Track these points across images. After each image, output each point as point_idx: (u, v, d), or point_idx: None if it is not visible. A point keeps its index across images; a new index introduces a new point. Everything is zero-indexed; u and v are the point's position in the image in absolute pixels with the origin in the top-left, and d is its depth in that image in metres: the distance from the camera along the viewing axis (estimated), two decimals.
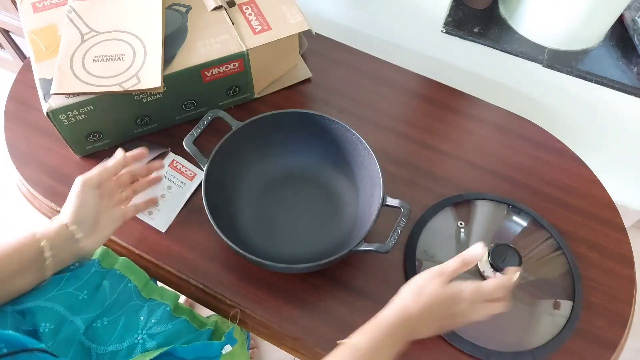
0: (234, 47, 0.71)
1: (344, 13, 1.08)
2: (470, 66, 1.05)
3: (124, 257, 0.60)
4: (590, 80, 0.92)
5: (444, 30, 0.97)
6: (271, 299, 0.64)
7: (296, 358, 0.66)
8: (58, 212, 0.70)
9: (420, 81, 0.89)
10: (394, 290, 0.66)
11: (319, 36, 0.90)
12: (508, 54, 0.95)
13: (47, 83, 0.65)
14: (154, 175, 0.64)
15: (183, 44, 0.70)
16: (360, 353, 0.47)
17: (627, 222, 1.31)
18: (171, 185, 0.71)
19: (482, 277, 0.66)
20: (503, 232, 0.72)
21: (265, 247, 0.65)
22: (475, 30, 0.96)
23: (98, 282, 0.56)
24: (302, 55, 0.87)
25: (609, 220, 0.73)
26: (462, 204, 0.74)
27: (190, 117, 0.78)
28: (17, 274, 0.50)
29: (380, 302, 0.65)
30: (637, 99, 0.92)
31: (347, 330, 0.63)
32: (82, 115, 0.66)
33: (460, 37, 0.97)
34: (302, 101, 0.84)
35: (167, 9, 0.74)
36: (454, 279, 0.50)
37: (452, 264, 0.51)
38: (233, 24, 0.74)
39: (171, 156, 0.74)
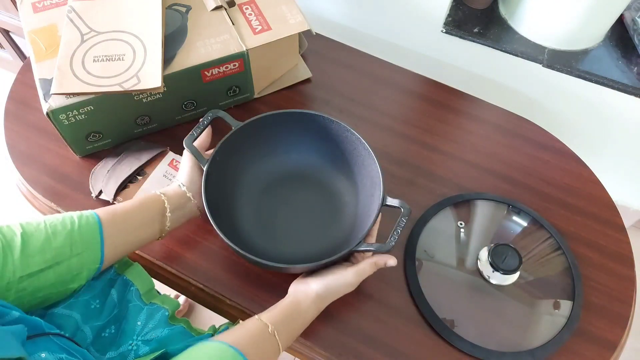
0: (234, 47, 0.71)
1: (344, 13, 1.08)
2: (470, 66, 1.05)
3: (137, 263, 0.60)
4: (590, 80, 0.92)
5: (444, 30, 0.97)
6: (271, 299, 0.64)
7: (296, 358, 0.66)
8: (58, 212, 0.71)
9: (420, 81, 0.89)
10: (394, 289, 0.67)
11: (319, 36, 0.90)
12: (508, 54, 0.95)
13: (47, 83, 0.65)
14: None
15: (183, 44, 0.70)
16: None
17: (627, 222, 1.31)
18: None
19: (482, 277, 0.67)
20: (503, 232, 0.72)
21: (266, 247, 0.65)
22: (475, 30, 0.96)
23: (107, 291, 0.57)
24: (302, 55, 0.87)
25: (609, 220, 0.73)
26: (462, 204, 0.74)
27: (190, 117, 0.78)
28: (143, 226, 0.58)
29: (380, 301, 0.66)
30: (637, 99, 0.92)
31: (347, 330, 0.63)
32: (82, 115, 0.66)
33: (460, 37, 0.97)
34: (302, 101, 0.84)
35: (167, 9, 0.74)
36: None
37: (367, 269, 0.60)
38: (233, 24, 0.74)
39: (171, 155, 0.74)
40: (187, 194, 0.61)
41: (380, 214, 0.60)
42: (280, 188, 0.71)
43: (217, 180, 0.64)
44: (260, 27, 0.74)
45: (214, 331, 0.62)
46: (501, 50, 0.95)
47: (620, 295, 0.67)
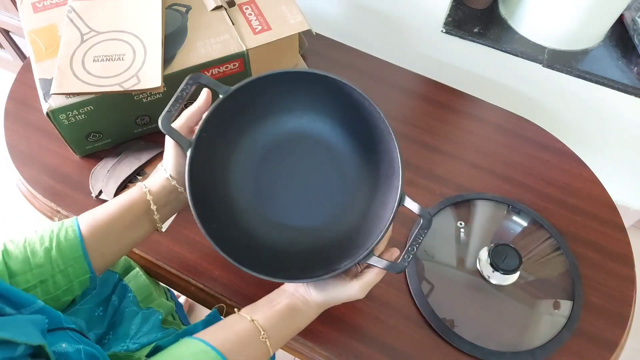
0: (234, 47, 0.71)
1: (344, 13, 1.08)
2: (470, 66, 1.05)
3: (136, 269, 0.60)
4: (590, 80, 0.92)
5: (444, 30, 0.97)
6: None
7: (296, 358, 0.66)
8: (58, 212, 0.71)
9: (420, 81, 0.89)
10: (393, 289, 0.67)
11: (319, 36, 0.90)
12: (508, 54, 0.95)
13: (47, 83, 0.65)
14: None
15: (183, 44, 0.70)
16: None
17: (627, 222, 1.31)
18: None
19: (482, 277, 0.67)
20: (503, 232, 0.72)
21: (264, 231, 0.58)
22: (475, 30, 0.96)
23: (109, 297, 0.57)
24: (302, 55, 0.87)
25: (609, 220, 0.73)
26: (462, 204, 0.74)
27: None
28: (130, 229, 0.53)
29: (380, 301, 0.66)
30: (637, 99, 0.92)
31: (347, 330, 0.63)
32: (82, 115, 0.66)
33: (460, 37, 0.97)
34: None
35: (167, 9, 0.74)
36: None
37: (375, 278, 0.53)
38: (233, 24, 0.74)
39: None
40: (178, 189, 0.55)
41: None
42: (281, 159, 0.61)
43: (206, 161, 0.54)
44: (260, 27, 0.74)
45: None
46: (501, 50, 0.95)
47: (620, 295, 0.67)
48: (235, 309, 0.54)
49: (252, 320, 0.50)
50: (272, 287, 0.65)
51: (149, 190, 0.54)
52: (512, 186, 0.76)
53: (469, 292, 0.66)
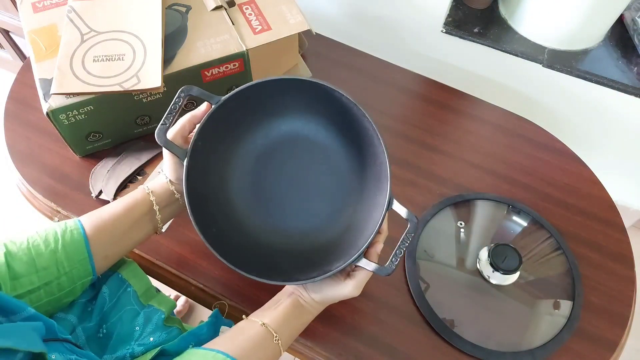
0: (234, 47, 0.71)
1: (344, 13, 1.08)
2: (470, 66, 1.05)
3: (131, 261, 0.59)
4: (590, 80, 0.92)
5: (444, 30, 0.97)
6: (271, 299, 0.64)
7: (296, 358, 0.66)
8: (58, 212, 0.71)
9: (420, 81, 0.89)
10: (393, 289, 0.67)
11: (319, 36, 0.90)
12: (508, 54, 0.95)
13: (47, 83, 0.65)
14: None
15: (183, 44, 0.70)
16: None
17: (627, 222, 1.31)
18: None
19: (482, 277, 0.67)
20: (503, 232, 0.72)
21: (261, 233, 0.59)
22: (475, 30, 0.96)
23: (99, 288, 0.56)
24: (302, 55, 0.87)
25: (609, 220, 0.73)
26: (462, 204, 0.74)
27: None
28: (133, 229, 0.54)
29: (380, 301, 0.66)
30: (637, 99, 0.92)
31: (347, 330, 0.63)
32: (82, 115, 0.66)
33: (460, 37, 0.97)
34: None
35: (167, 9, 0.74)
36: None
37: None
38: (233, 24, 0.74)
39: None
40: (176, 195, 0.57)
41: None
42: (276, 163, 0.62)
43: (203, 167, 0.56)
44: (260, 27, 0.74)
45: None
46: (501, 50, 0.95)
47: (620, 295, 0.67)
48: (243, 316, 0.55)
49: (263, 324, 0.51)
50: (271, 287, 0.65)
51: (151, 192, 0.55)
52: (512, 186, 0.76)
53: (469, 292, 0.66)
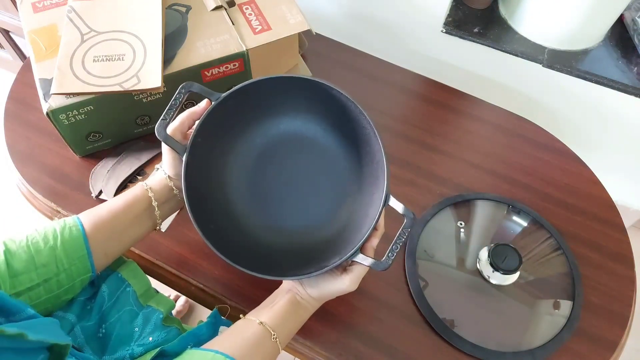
0: (234, 47, 0.71)
1: (344, 13, 1.08)
2: (470, 66, 1.05)
3: (131, 261, 0.59)
4: (590, 80, 0.92)
5: (444, 30, 0.97)
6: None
7: (296, 358, 0.66)
8: (58, 212, 0.71)
9: (420, 81, 0.89)
10: (394, 289, 0.67)
11: (319, 36, 0.90)
12: (508, 54, 0.95)
13: (47, 83, 0.65)
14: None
15: (183, 44, 0.70)
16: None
17: (627, 222, 1.31)
18: None
19: (482, 277, 0.67)
20: (503, 232, 0.72)
21: (260, 230, 0.60)
22: (475, 30, 0.96)
23: (98, 286, 0.56)
24: (302, 55, 0.87)
25: (609, 220, 0.73)
26: (462, 204, 0.74)
27: None
28: (133, 226, 0.55)
29: (380, 301, 0.66)
30: (637, 99, 0.92)
31: (347, 330, 0.63)
32: (82, 115, 0.66)
33: (460, 37, 0.97)
34: None
35: (167, 9, 0.74)
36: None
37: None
38: (233, 24, 0.74)
39: None
40: (174, 191, 0.57)
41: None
42: (275, 160, 0.62)
43: (202, 164, 0.56)
44: (260, 27, 0.74)
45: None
46: (501, 50, 0.95)
47: (620, 295, 0.67)
48: (241, 315, 0.55)
49: (261, 323, 0.51)
50: (271, 286, 0.65)
51: (150, 188, 0.55)
52: (512, 186, 0.76)
53: (469, 292, 0.66)
